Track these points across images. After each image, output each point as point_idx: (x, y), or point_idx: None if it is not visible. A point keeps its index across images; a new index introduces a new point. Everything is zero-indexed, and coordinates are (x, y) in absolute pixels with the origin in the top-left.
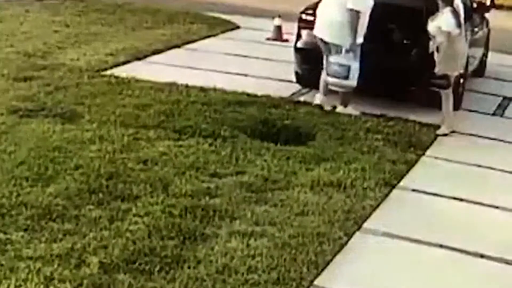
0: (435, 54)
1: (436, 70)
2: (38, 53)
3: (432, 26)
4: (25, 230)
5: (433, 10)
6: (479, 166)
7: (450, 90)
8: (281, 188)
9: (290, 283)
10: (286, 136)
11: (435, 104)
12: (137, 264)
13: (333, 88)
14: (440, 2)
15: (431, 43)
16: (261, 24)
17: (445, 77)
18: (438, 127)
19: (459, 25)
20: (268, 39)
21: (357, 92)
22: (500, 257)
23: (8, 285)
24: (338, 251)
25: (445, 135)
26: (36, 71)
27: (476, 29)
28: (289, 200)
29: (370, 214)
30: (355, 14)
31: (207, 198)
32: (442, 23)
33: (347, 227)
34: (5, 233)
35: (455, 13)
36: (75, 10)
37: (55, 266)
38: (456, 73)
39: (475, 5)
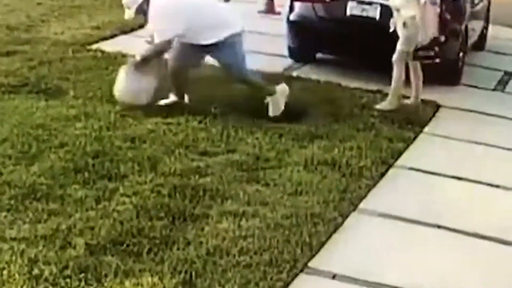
0: (401, 30)
1: (399, 46)
2: (21, 26)
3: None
4: (8, 210)
5: None
6: (479, 143)
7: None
8: (273, 167)
9: (283, 265)
10: None
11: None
12: (124, 245)
13: None
14: None
15: (392, 20)
16: None
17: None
18: (436, 103)
19: None
20: (259, 12)
21: (352, 66)
22: (499, 238)
23: None
24: (333, 232)
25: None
26: (19, 45)
27: (476, 1)
28: (281, 179)
29: (366, 194)
30: None
31: (197, 177)
32: None
33: (342, 207)
34: None
35: None
36: None
37: (40, 247)
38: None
39: None
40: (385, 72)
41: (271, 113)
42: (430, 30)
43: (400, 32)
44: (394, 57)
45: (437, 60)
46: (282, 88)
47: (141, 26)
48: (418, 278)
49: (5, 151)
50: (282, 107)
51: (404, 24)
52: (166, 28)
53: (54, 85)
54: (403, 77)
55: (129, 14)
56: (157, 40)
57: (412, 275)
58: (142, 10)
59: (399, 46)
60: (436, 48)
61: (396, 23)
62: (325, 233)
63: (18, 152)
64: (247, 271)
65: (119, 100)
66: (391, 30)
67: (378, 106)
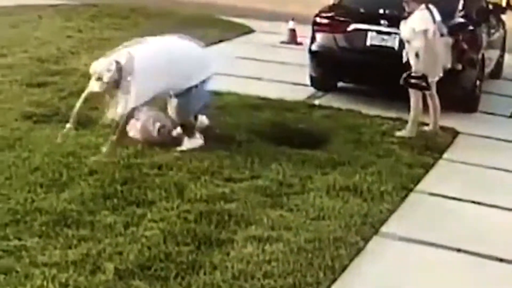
0: (414, 61)
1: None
2: (51, 58)
3: (405, 29)
4: (40, 236)
5: None
6: (497, 168)
7: (434, 92)
8: (297, 193)
9: None
10: (301, 140)
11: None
12: (152, 270)
13: None
14: (410, 4)
15: (404, 51)
16: (275, 27)
17: (424, 77)
18: (455, 130)
19: (434, 22)
20: (282, 42)
21: (373, 94)
22: None
23: None
24: (355, 256)
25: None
26: (49, 77)
27: (492, 31)
28: (304, 204)
29: (387, 218)
30: None
31: (222, 203)
32: (415, 23)
33: (364, 231)
34: (19, 239)
35: (429, 10)
36: (88, 15)
37: (70, 272)
38: (436, 78)
39: (491, 6)
40: (404, 100)
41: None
42: (441, 62)
43: (413, 63)
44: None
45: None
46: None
47: None
48: None
49: (36, 179)
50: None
51: (417, 55)
52: (148, 88)
53: (84, 115)
54: (421, 105)
55: (99, 86)
56: (133, 104)
57: None
58: (114, 80)
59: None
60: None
61: (408, 54)
62: (347, 256)
63: (49, 180)
64: None
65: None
66: (404, 60)
67: (398, 133)
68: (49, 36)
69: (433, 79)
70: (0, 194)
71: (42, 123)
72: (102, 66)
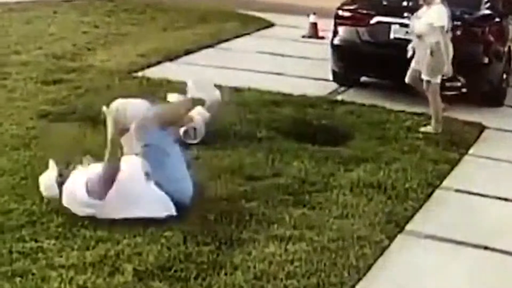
0: (427, 58)
1: (424, 77)
2: (67, 55)
3: (420, 24)
4: (57, 238)
5: None
6: None
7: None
8: (319, 190)
9: None
10: (323, 137)
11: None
12: (172, 270)
13: None
14: None
15: (409, 46)
16: (296, 21)
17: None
18: (481, 125)
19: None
20: (303, 36)
21: (397, 89)
22: None
23: None
24: (380, 255)
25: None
26: (65, 74)
27: None
28: (327, 202)
29: (412, 216)
30: None
31: (243, 201)
32: (433, 18)
33: (388, 229)
34: (36, 241)
35: (445, 5)
36: (104, 10)
37: (88, 274)
38: (445, 77)
39: None
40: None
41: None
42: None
43: (425, 61)
44: (425, 87)
45: (464, 90)
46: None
47: (187, 53)
48: None
49: None
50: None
51: (432, 52)
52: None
53: (101, 112)
54: (439, 101)
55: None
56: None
57: None
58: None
59: (424, 76)
60: (462, 79)
61: (415, 49)
62: (372, 255)
63: None
64: None
65: None
66: (408, 55)
67: (422, 129)
68: (64, 32)
69: (439, 77)
70: (15, 194)
71: (58, 122)
72: None
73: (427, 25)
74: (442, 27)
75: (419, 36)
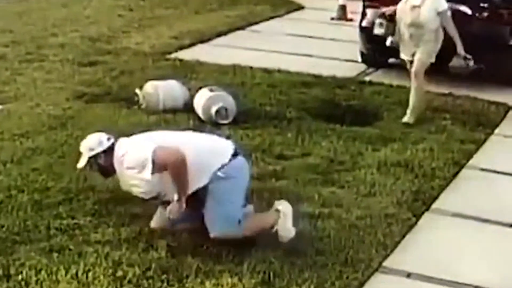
0: (431, 43)
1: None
2: (103, 37)
3: (426, 11)
4: (93, 214)
5: None
6: None
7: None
8: (348, 169)
9: (358, 264)
10: (352, 117)
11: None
12: (204, 247)
13: None
14: None
15: (390, 39)
16: (325, 4)
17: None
18: (507, 105)
19: None
20: (332, 19)
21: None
22: None
23: (76, 270)
24: (407, 232)
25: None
26: (100, 56)
27: None
28: (355, 181)
29: (438, 194)
30: None
31: (273, 180)
32: (436, 4)
33: (415, 207)
34: (73, 218)
35: None
36: None
37: (123, 250)
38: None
39: None
40: (456, 75)
41: (281, 239)
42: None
43: (427, 46)
44: (414, 68)
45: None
46: (285, 209)
47: (219, 35)
48: (491, 276)
49: None
50: (291, 229)
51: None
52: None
53: (136, 94)
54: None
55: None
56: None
57: (485, 273)
58: (96, 163)
59: (421, 57)
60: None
61: (407, 39)
62: (399, 233)
63: None
64: (323, 271)
65: None
66: (387, 43)
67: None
68: (100, 15)
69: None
70: (52, 172)
71: (93, 103)
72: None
73: (433, 11)
74: (445, 11)
75: (417, 25)
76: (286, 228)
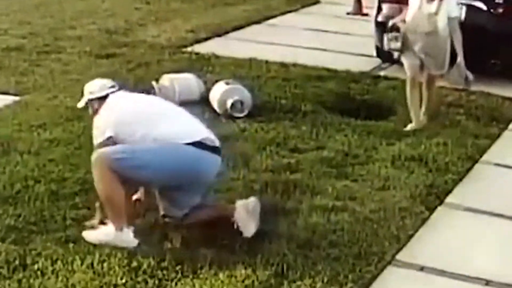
0: (444, 51)
1: (436, 71)
2: (120, 30)
3: (443, 18)
4: None
5: None
6: None
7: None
8: (362, 163)
9: (372, 257)
10: (366, 111)
11: None
12: (219, 238)
13: None
14: None
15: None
16: None
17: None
18: None
19: None
20: (348, 13)
21: None
22: None
23: (92, 260)
24: (420, 226)
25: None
26: (117, 48)
27: None
28: (369, 175)
29: (452, 188)
30: None
31: (287, 173)
32: (449, 9)
33: (429, 201)
34: (88, 208)
35: None
36: None
37: (138, 241)
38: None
39: None
40: (471, 72)
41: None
42: None
43: (441, 55)
44: (426, 80)
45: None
46: (246, 204)
47: (235, 29)
48: (504, 270)
49: None
50: (251, 226)
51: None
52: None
53: (151, 87)
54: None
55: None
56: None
57: (498, 267)
58: (91, 107)
59: (435, 71)
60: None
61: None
62: (412, 226)
63: None
64: (337, 264)
65: None
66: (388, 47)
67: (408, 127)
68: (117, 8)
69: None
70: (69, 164)
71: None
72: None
73: (445, 18)
74: (457, 17)
75: (434, 33)
76: (245, 224)
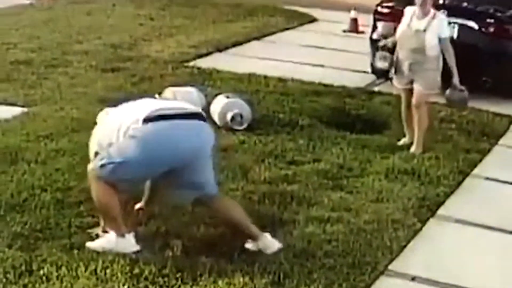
0: (432, 71)
1: (424, 90)
2: (124, 45)
3: (431, 36)
4: None
5: None
6: None
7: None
8: (357, 176)
9: (365, 267)
10: (361, 125)
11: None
12: (218, 247)
13: None
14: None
15: (400, 56)
16: (338, 16)
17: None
18: (511, 117)
19: None
20: (344, 31)
21: None
22: None
23: (95, 266)
24: (413, 237)
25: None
26: (122, 63)
27: None
28: (364, 187)
29: (444, 201)
30: None
31: (285, 184)
32: (440, 29)
33: (421, 213)
34: (93, 216)
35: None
36: (159, 4)
37: (140, 248)
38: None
39: None
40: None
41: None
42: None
43: (428, 74)
44: (415, 101)
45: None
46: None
47: (235, 45)
48: (494, 282)
49: None
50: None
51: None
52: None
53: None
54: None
55: None
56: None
57: (488, 278)
58: None
59: (423, 90)
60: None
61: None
62: (405, 238)
63: None
64: (331, 273)
65: None
66: (380, 65)
67: (412, 150)
68: (122, 24)
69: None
70: (75, 173)
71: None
72: None
73: (435, 37)
74: (447, 38)
75: (420, 51)
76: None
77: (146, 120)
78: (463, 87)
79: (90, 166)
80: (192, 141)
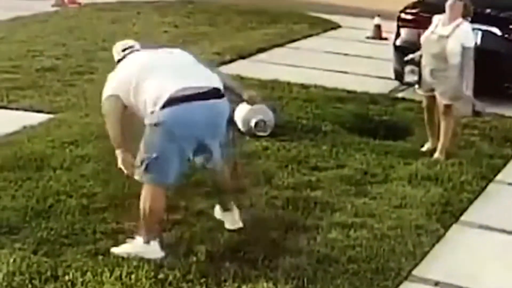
0: (454, 80)
1: (446, 101)
2: None
3: (454, 43)
4: (137, 220)
5: None
6: None
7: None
8: (380, 182)
9: (388, 273)
10: (384, 132)
11: None
12: (242, 253)
13: None
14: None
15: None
16: (361, 23)
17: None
18: None
19: None
20: (368, 37)
21: None
22: None
23: (120, 272)
24: (436, 243)
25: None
26: None
27: None
28: (387, 193)
29: (467, 207)
30: None
31: (308, 190)
32: (464, 38)
33: (444, 219)
34: (117, 222)
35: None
36: (184, 12)
37: (165, 254)
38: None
39: None
40: (485, 95)
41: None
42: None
43: (450, 83)
44: (441, 111)
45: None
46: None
47: (259, 51)
48: None
49: None
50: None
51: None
52: None
53: None
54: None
55: None
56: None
57: (509, 283)
58: None
59: (445, 100)
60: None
61: (431, 71)
62: (428, 243)
63: None
64: (355, 278)
65: None
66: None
67: (435, 157)
68: (147, 31)
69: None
70: (100, 179)
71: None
72: None
73: (458, 45)
74: (471, 48)
75: (442, 57)
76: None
77: (165, 105)
78: (475, 100)
79: (136, 177)
80: (209, 122)
